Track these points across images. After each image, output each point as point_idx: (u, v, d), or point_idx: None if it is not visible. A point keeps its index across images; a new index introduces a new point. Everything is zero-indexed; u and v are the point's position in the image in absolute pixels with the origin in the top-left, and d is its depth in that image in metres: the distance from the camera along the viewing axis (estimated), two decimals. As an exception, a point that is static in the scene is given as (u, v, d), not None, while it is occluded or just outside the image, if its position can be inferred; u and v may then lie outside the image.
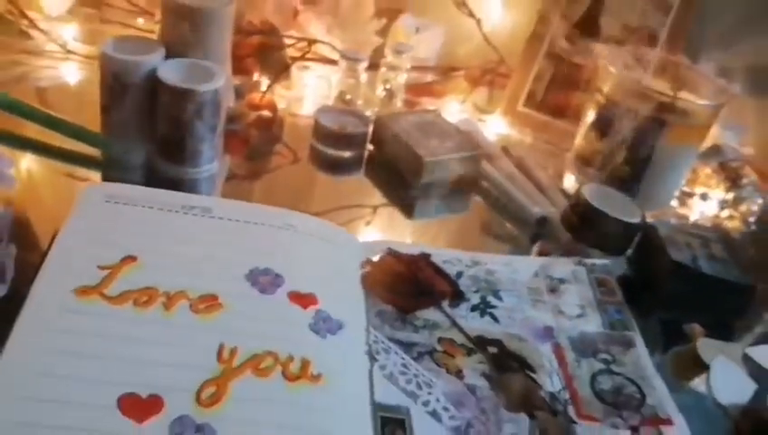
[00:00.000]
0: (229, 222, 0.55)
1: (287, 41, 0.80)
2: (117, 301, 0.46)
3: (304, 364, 0.45)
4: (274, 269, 0.51)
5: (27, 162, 0.63)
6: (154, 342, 0.44)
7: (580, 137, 0.75)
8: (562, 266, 0.61)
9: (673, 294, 0.61)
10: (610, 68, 0.71)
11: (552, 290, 0.59)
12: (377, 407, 0.45)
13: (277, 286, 0.50)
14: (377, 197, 0.70)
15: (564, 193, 0.73)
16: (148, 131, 0.64)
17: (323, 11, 0.83)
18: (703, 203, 0.79)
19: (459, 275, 0.58)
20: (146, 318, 0.45)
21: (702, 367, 0.56)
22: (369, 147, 0.75)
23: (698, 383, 0.55)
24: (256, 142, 0.73)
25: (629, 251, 0.65)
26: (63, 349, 0.42)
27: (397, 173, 0.72)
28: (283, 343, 0.46)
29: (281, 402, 0.43)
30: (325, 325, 0.48)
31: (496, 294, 0.57)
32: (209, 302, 0.47)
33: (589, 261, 0.62)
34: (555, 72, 0.85)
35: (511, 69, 0.88)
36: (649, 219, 0.66)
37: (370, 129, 0.74)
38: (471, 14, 0.88)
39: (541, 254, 0.66)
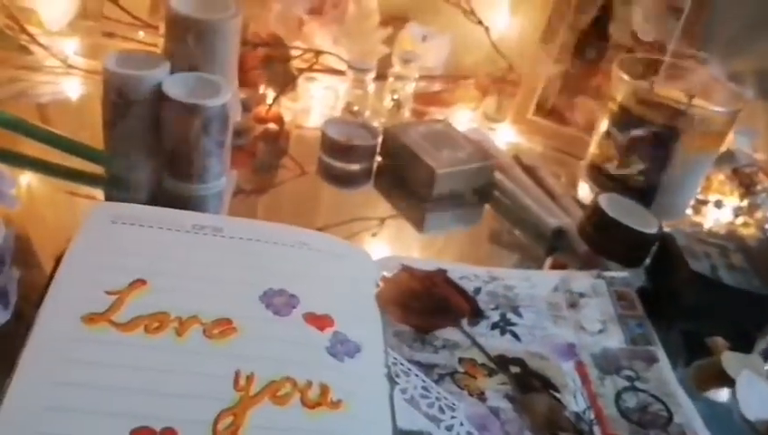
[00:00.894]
0: (241, 241, 0.53)
1: (293, 52, 0.79)
2: (127, 328, 0.44)
3: (323, 390, 0.43)
4: (289, 290, 0.50)
5: (28, 181, 0.62)
6: (167, 370, 0.42)
7: (594, 146, 0.73)
8: (581, 280, 0.60)
9: (693, 305, 0.60)
10: (623, 76, 0.69)
11: (572, 305, 0.57)
12: (399, 433, 0.43)
13: (292, 307, 0.48)
14: (387, 210, 0.69)
15: (579, 203, 0.72)
16: (153, 148, 0.62)
17: (329, 21, 0.81)
18: (717, 211, 0.78)
19: (477, 291, 0.56)
20: (158, 345, 0.43)
21: (726, 381, 0.55)
22: (378, 159, 0.73)
23: (722, 397, 0.54)
24: (263, 156, 0.72)
25: (647, 262, 0.64)
26: (72, 380, 0.40)
27: (407, 185, 0.70)
28: (301, 368, 0.44)
29: (301, 431, 0.41)
30: (343, 348, 0.47)
31: (516, 311, 0.55)
32: (223, 326, 0.46)
33: (608, 274, 0.61)
34: (565, 80, 0.84)
35: (520, 77, 0.87)
36: (666, 229, 0.65)
37: (379, 140, 0.73)
38: (479, 22, 0.87)
39: (555, 266, 0.65)
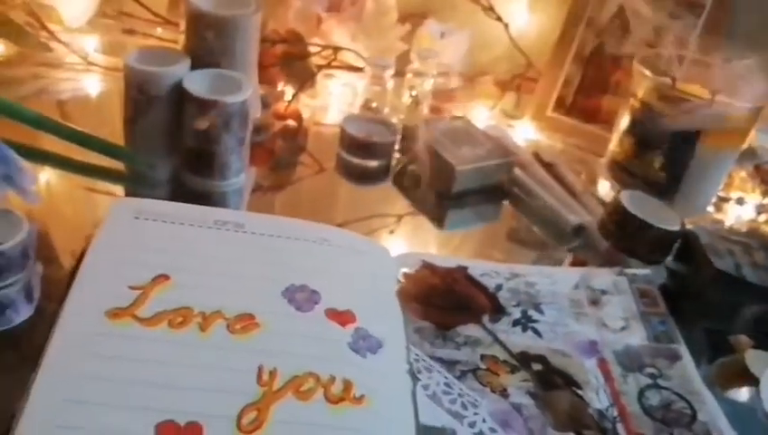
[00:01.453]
0: (262, 237, 0.53)
1: (312, 49, 0.79)
2: (150, 322, 0.44)
3: (347, 386, 0.43)
4: (310, 285, 0.50)
5: (47, 177, 0.62)
6: (191, 365, 0.42)
7: (615, 142, 0.73)
8: (603, 277, 0.59)
9: (717, 303, 0.59)
10: (645, 72, 0.69)
11: (594, 302, 0.57)
12: (422, 429, 0.43)
13: (314, 303, 0.48)
14: (405, 206, 0.68)
15: (599, 200, 0.71)
16: (173, 144, 0.62)
17: (347, 18, 0.81)
18: (739, 208, 0.77)
19: (498, 288, 0.56)
20: (181, 340, 0.43)
21: (750, 379, 0.54)
22: (397, 155, 0.73)
23: (745, 395, 0.53)
24: (282, 153, 0.72)
25: (669, 259, 0.63)
26: (97, 375, 0.41)
27: (426, 182, 0.70)
28: (324, 364, 0.44)
29: (324, 427, 0.41)
30: (365, 344, 0.47)
31: (537, 308, 0.55)
32: (246, 321, 0.46)
33: (630, 271, 0.60)
34: (584, 76, 0.83)
35: (539, 73, 0.86)
36: (688, 226, 0.64)
37: (398, 137, 0.73)
38: (498, 19, 0.86)
39: (576, 264, 0.65)
